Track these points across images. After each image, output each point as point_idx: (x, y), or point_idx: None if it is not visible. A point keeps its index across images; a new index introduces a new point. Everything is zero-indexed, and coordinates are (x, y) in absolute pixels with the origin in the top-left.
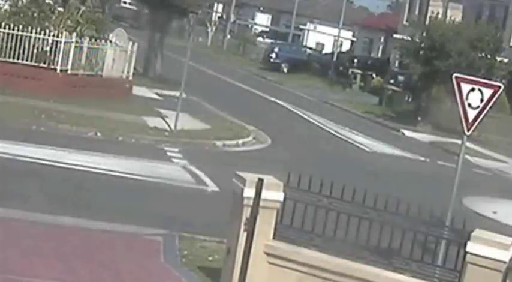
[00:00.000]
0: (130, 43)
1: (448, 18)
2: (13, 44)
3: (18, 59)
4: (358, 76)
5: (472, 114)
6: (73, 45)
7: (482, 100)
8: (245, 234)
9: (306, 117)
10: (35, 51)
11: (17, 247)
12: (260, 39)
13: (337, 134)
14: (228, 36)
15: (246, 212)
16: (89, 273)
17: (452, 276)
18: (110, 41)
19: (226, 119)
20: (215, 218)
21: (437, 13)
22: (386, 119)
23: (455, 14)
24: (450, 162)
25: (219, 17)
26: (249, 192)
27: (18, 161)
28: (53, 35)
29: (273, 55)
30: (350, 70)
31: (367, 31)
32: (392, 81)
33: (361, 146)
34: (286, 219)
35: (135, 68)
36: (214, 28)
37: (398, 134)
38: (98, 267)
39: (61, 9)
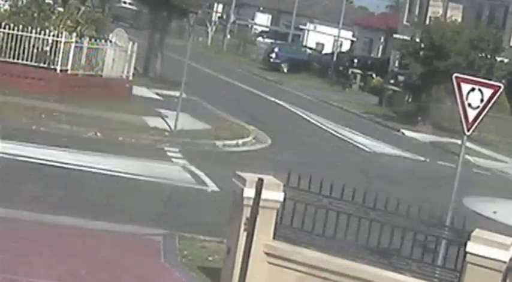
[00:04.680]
0: (130, 43)
1: (448, 18)
2: (13, 44)
3: (18, 59)
4: (358, 76)
5: (472, 114)
6: (73, 45)
7: (482, 100)
8: (245, 234)
9: (306, 117)
10: (35, 51)
11: (16, 247)
12: (260, 39)
13: (337, 134)
14: (228, 36)
15: (246, 212)
16: (88, 273)
17: (452, 276)
18: (110, 41)
19: (226, 119)
20: (215, 218)
21: (438, 13)
22: (386, 119)
23: (455, 14)
24: (450, 162)
25: (219, 17)
26: (249, 192)
27: (18, 161)
28: (53, 35)
29: (273, 55)
30: (350, 70)
31: (367, 31)
32: (392, 81)
33: (361, 146)
34: (286, 219)
35: (135, 68)
36: (214, 28)
37: (398, 134)
38: (97, 267)
39: (61, 9)
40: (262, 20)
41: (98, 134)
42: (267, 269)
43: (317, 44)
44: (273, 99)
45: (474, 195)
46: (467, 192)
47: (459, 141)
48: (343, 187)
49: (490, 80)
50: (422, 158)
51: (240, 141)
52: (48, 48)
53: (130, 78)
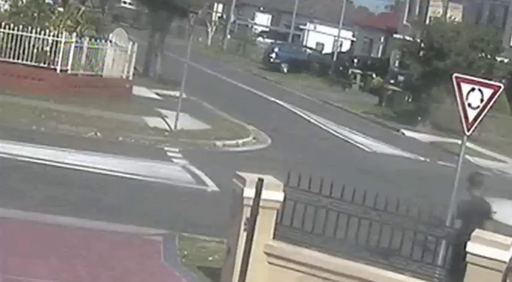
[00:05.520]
0: (130, 43)
1: (448, 18)
2: (13, 44)
3: (18, 59)
4: (358, 76)
5: (472, 114)
6: (73, 45)
7: (482, 100)
8: (245, 234)
9: (306, 117)
10: (35, 51)
11: (17, 247)
12: (260, 39)
13: (337, 134)
14: (228, 36)
15: (246, 212)
16: (88, 273)
17: None
18: (110, 41)
19: (226, 119)
20: (215, 218)
21: (438, 13)
22: (386, 119)
23: (455, 14)
24: (450, 162)
25: (219, 17)
26: (249, 192)
27: (18, 161)
28: (53, 35)
29: (273, 55)
30: (350, 70)
31: (367, 31)
32: (392, 81)
33: (361, 146)
34: (286, 219)
35: (135, 68)
36: (214, 28)
37: (398, 134)
38: (97, 267)
39: (61, 9)
40: (262, 20)
41: (98, 134)
42: (267, 269)
43: (317, 44)
44: (273, 99)
45: None
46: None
47: (459, 141)
48: (343, 187)
49: (490, 80)
50: (422, 158)
51: (240, 141)
52: (48, 48)
53: (131, 78)
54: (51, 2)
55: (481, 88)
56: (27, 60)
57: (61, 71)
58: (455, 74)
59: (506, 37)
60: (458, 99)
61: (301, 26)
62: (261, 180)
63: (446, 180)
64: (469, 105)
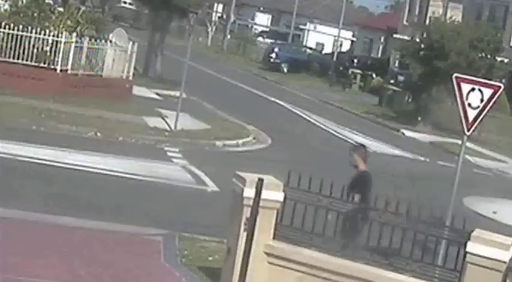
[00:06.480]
0: (130, 43)
1: (448, 18)
2: (13, 44)
3: (18, 59)
4: (358, 76)
5: (472, 114)
6: (73, 45)
7: (482, 100)
8: (245, 234)
9: (305, 117)
10: (35, 51)
11: (17, 247)
12: (260, 39)
13: (337, 134)
14: (228, 36)
15: (246, 212)
16: (88, 273)
17: (452, 276)
18: (110, 41)
19: (226, 119)
20: (215, 218)
21: (438, 13)
22: (386, 119)
23: (455, 14)
24: (450, 162)
25: (219, 17)
26: (249, 192)
27: (18, 161)
28: (53, 35)
29: (273, 55)
30: (350, 70)
31: (367, 31)
32: (392, 81)
33: None
34: (286, 219)
35: (135, 68)
36: (214, 28)
37: (398, 134)
38: (97, 267)
39: (61, 9)
40: (262, 20)
41: (98, 134)
42: (267, 269)
43: (317, 44)
44: (273, 99)
45: (474, 195)
46: (467, 192)
47: (459, 141)
48: (343, 187)
49: (490, 80)
50: (422, 158)
51: (240, 141)
52: (48, 48)
53: (131, 78)
54: (51, 2)
55: (481, 88)
56: (27, 60)
57: (61, 71)
58: (455, 74)
59: (506, 37)
60: (458, 99)
61: (301, 26)
62: (261, 180)
63: (446, 180)
64: (469, 105)
